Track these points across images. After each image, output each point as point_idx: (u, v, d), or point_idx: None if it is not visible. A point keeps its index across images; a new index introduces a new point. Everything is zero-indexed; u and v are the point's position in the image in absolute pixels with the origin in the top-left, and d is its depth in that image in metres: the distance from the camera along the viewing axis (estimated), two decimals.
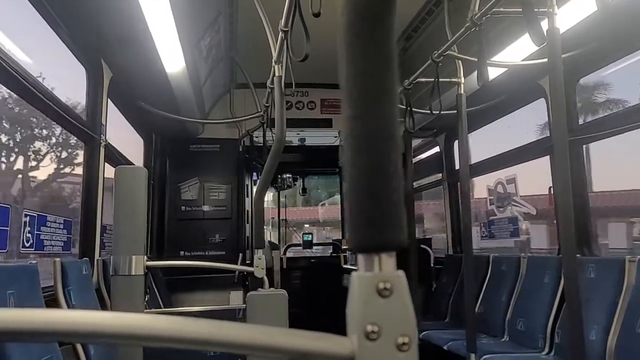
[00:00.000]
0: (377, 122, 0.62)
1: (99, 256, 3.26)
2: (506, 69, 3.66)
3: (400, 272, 0.59)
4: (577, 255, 3.11)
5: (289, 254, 8.02)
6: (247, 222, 6.03)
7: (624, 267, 3.20)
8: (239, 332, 0.56)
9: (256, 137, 5.92)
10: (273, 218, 10.87)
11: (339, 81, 0.65)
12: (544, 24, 2.42)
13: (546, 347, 3.67)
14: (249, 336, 0.56)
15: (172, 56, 3.36)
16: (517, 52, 3.47)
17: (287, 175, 8.11)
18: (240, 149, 5.91)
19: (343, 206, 8.87)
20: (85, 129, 3.17)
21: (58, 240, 2.75)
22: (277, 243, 8.60)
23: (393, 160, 0.62)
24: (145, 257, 3.04)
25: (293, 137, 6.58)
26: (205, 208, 5.66)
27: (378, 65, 0.63)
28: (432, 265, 5.92)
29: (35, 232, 2.48)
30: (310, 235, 8.62)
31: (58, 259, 2.50)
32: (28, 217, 2.41)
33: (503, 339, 4.14)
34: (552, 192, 4.16)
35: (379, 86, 0.63)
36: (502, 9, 2.61)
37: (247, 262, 5.49)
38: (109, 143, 3.50)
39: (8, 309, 0.53)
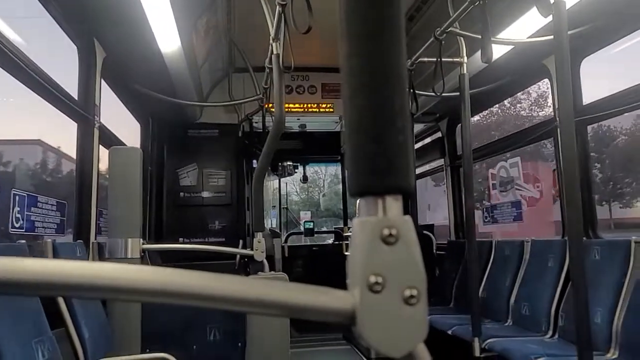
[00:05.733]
0: (379, 57, 0.55)
1: (95, 239, 3.19)
2: (511, 46, 3.57)
3: (407, 217, 0.51)
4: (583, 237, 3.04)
5: (290, 243, 7.96)
6: (248, 209, 5.95)
7: (630, 248, 3.15)
8: (234, 286, 0.49)
9: (255, 122, 5.83)
10: (274, 207, 10.83)
11: (338, 20, 0.57)
12: None
13: (550, 330, 3.61)
14: (243, 290, 0.49)
15: (167, 35, 3.27)
16: (522, 30, 3.38)
17: (288, 163, 8.03)
18: (240, 135, 5.83)
19: (345, 196, 8.85)
20: (78, 108, 3.08)
21: (51, 222, 2.67)
22: (279, 231, 8.56)
23: (398, 98, 0.54)
24: (142, 241, 2.99)
25: (293, 122, 6.48)
26: (205, 194, 5.59)
27: None
28: (434, 251, 5.87)
29: (26, 212, 2.40)
30: (312, 223, 8.58)
31: (49, 240, 2.43)
32: (17, 197, 2.34)
33: (507, 323, 4.09)
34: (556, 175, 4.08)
35: (380, 17, 0.55)
36: None
37: (247, 248, 5.42)
38: (103, 125, 3.41)
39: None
